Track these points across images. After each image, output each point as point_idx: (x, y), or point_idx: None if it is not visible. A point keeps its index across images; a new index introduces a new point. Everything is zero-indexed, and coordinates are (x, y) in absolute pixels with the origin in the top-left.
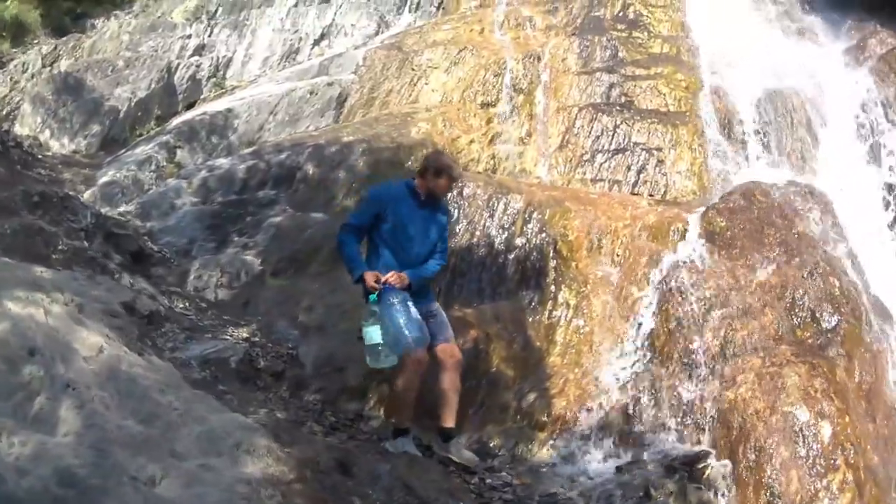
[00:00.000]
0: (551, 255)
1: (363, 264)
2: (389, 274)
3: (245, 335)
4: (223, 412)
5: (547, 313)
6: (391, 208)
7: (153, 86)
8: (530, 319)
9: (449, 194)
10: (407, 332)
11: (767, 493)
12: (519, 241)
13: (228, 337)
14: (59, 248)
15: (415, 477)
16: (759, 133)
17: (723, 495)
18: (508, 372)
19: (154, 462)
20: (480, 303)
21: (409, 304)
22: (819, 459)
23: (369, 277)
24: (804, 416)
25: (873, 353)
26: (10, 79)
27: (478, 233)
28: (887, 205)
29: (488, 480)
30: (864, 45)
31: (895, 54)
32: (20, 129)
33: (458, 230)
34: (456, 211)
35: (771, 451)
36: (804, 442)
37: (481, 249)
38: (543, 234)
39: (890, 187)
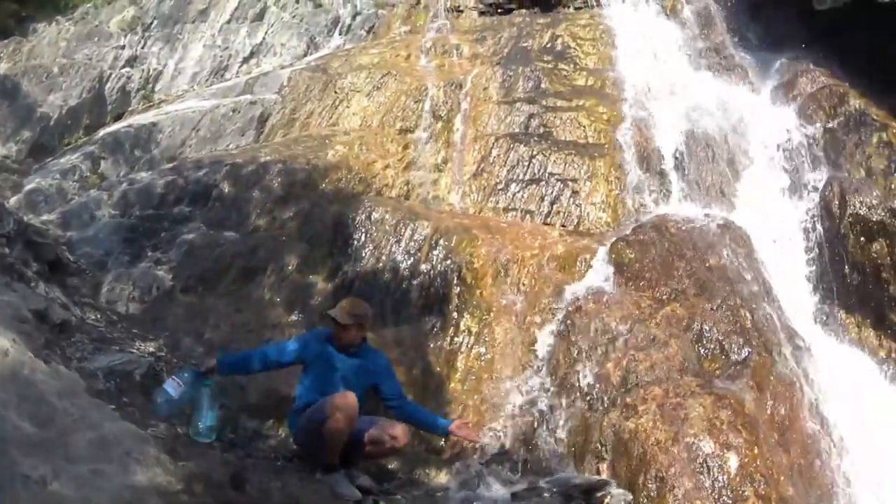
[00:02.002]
0: (455, 282)
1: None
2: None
3: (151, 349)
4: (118, 421)
5: (449, 339)
6: None
7: (84, 95)
8: (432, 345)
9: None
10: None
11: None
12: (424, 268)
13: (135, 350)
14: None
15: (306, 497)
16: (678, 167)
17: None
18: (408, 396)
19: (47, 463)
20: (382, 327)
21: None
22: (725, 490)
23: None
24: (708, 448)
25: (787, 384)
26: None
27: (384, 258)
28: (807, 240)
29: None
30: (794, 83)
31: (825, 93)
32: None
33: (363, 255)
34: (362, 235)
35: (673, 481)
36: (709, 473)
37: (386, 274)
38: (449, 261)
39: (811, 223)
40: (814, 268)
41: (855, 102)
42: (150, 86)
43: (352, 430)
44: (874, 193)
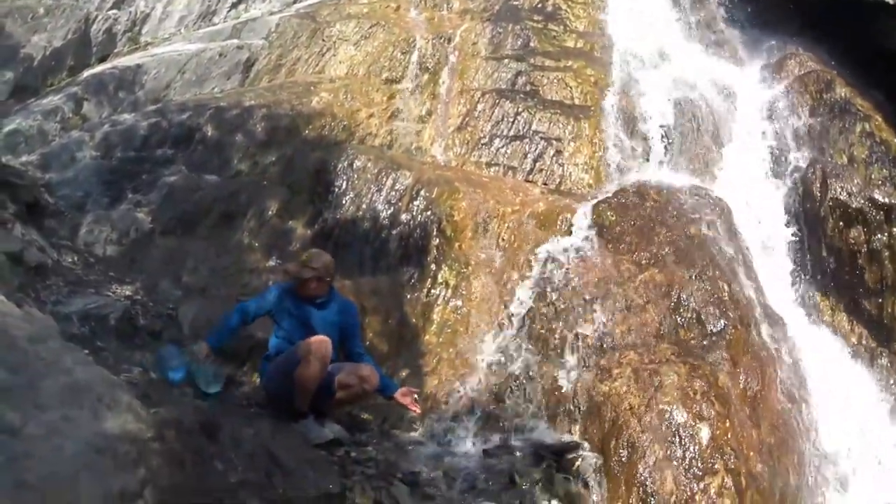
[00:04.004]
0: (434, 233)
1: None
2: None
3: (128, 293)
4: (90, 366)
5: (426, 291)
6: None
7: (70, 36)
8: (408, 296)
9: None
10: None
11: (640, 491)
12: (404, 218)
13: (111, 294)
14: None
15: (278, 445)
16: (663, 135)
17: (592, 488)
18: (382, 347)
19: (16, 410)
20: (360, 276)
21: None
22: (696, 462)
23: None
24: (681, 417)
25: (761, 360)
26: None
27: (364, 206)
28: (787, 220)
29: (353, 454)
30: (783, 65)
31: (812, 77)
32: None
33: (344, 202)
34: (344, 183)
35: (644, 448)
36: (680, 443)
37: (366, 223)
38: (429, 213)
39: (792, 203)
40: (793, 248)
41: (841, 91)
42: (137, 28)
43: (323, 377)
44: (855, 181)
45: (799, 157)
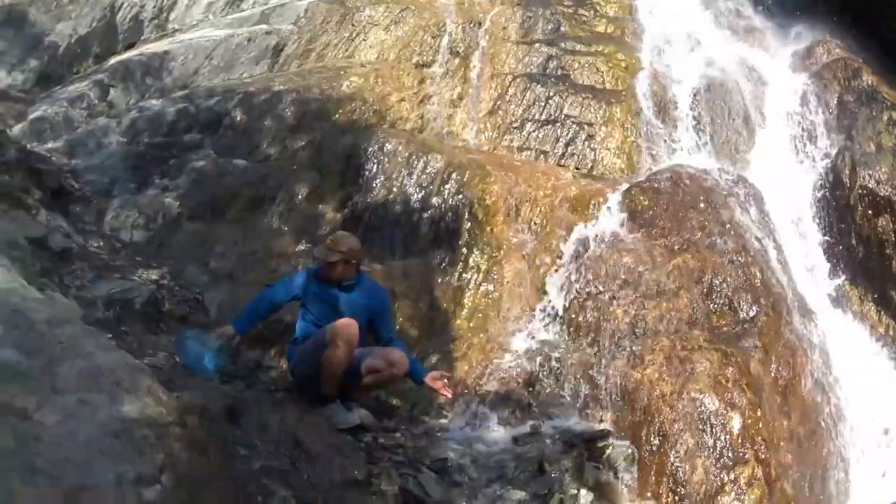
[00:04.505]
0: (466, 217)
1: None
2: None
3: (154, 277)
4: (111, 350)
5: (457, 275)
6: None
7: (95, 24)
8: (439, 280)
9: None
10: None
11: (670, 480)
12: (435, 201)
13: (137, 278)
14: None
15: (304, 430)
16: (694, 120)
17: (623, 478)
18: (412, 331)
19: (31, 394)
20: (391, 260)
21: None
22: (727, 451)
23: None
24: (713, 405)
25: (792, 349)
26: None
27: (395, 190)
28: (817, 207)
29: (381, 440)
30: (811, 52)
31: (840, 64)
32: None
33: (374, 186)
34: (374, 167)
35: (676, 437)
36: (711, 431)
37: (397, 206)
38: (461, 196)
39: (821, 190)
40: (822, 235)
41: (867, 78)
42: (164, 15)
43: (350, 361)
44: (883, 169)
45: (828, 144)
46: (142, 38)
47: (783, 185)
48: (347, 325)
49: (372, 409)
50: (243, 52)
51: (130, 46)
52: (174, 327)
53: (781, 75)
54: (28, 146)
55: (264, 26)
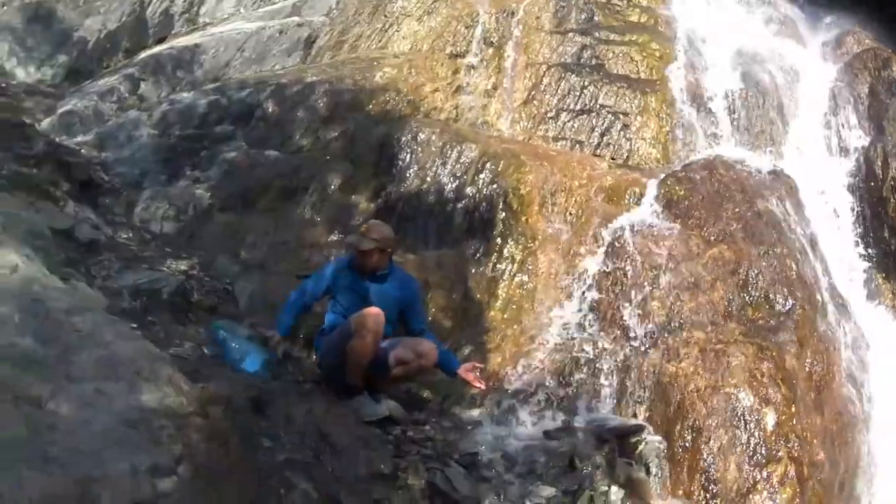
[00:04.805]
0: (501, 207)
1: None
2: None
3: (183, 268)
4: (132, 339)
5: (491, 266)
6: None
7: (124, 18)
8: (473, 271)
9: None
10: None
11: (702, 478)
12: (469, 191)
13: (166, 269)
14: (3, 174)
15: (331, 422)
16: (729, 110)
17: (655, 474)
18: (445, 322)
19: (44, 382)
20: (424, 250)
21: None
22: (760, 448)
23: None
24: (747, 400)
25: (827, 343)
26: None
27: (429, 179)
28: (850, 199)
29: (410, 433)
30: (842, 42)
31: (870, 54)
32: None
33: (408, 176)
34: (408, 156)
35: (710, 433)
36: (745, 427)
37: (430, 196)
38: (495, 186)
39: (854, 182)
40: (854, 228)
41: None
42: (195, 9)
43: (376, 351)
44: None
45: (860, 135)
46: (172, 32)
47: (816, 177)
48: (373, 315)
49: (402, 400)
50: (275, 45)
51: (161, 41)
52: (203, 318)
53: (813, 65)
54: (56, 139)
55: (296, 18)
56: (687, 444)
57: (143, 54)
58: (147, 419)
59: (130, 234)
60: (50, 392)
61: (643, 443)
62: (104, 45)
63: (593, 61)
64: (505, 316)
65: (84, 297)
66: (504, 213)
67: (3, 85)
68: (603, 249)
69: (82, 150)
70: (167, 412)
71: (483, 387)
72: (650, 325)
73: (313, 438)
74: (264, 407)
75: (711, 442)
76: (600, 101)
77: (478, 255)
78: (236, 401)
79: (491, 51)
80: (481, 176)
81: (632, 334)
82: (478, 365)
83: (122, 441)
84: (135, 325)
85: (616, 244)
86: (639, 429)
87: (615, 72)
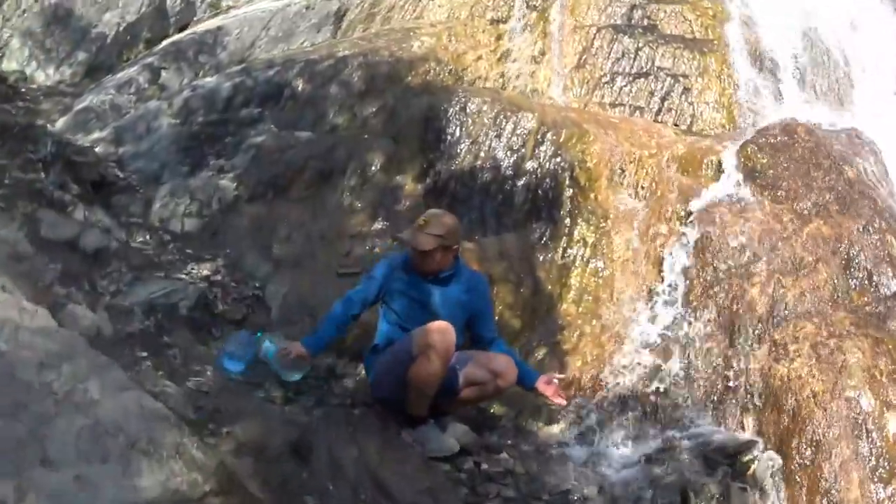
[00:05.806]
0: (567, 182)
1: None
2: None
3: (206, 273)
4: (126, 391)
5: (560, 251)
6: None
7: (143, 9)
8: (540, 259)
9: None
10: None
11: (824, 500)
12: (530, 166)
13: (185, 276)
14: (5, 182)
15: (388, 468)
16: (793, 68)
17: (770, 497)
18: (514, 322)
19: (9, 476)
20: (483, 235)
21: None
22: (882, 461)
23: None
24: (868, 405)
25: None
26: (3, 17)
27: (482, 154)
28: None
29: (484, 466)
30: None
31: None
32: (7, 65)
33: (458, 151)
34: (457, 129)
35: (830, 446)
36: (867, 437)
37: (485, 174)
38: (558, 159)
39: None
40: None
41: None
42: None
43: (444, 374)
44: None
45: None
46: (195, 18)
47: (889, 137)
48: (442, 331)
49: (470, 420)
50: (302, 21)
51: (183, 29)
52: (229, 332)
53: (878, 19)
54: (68, 139)
55: None
56: (806, 462)
57: (164, 43)
58: None
59: (147, 237)
60: (16, 491)
61: (755, 461)
62: (123, 38)
63: (645, 21)
64: (580, 309)
65: (65, 341)
66: (571, 190)
67: (23, 90)
68: (686, 228)
69: (97, 148)
70: (173, 499)
71: (564, 402)
72: (752, 317)
73: (368, 490)
74: (306, 452)
75: (833, 457)
76: (657, 63)
77: (544, 239)
78: (271, 448)
79: (535, 15)
80: (541, 148)
81: (731, 328)
82: (556, 376)
83: None
84: (144, 354)
85: (700, 222)
86: (751, 444)
87: (669, 32)
